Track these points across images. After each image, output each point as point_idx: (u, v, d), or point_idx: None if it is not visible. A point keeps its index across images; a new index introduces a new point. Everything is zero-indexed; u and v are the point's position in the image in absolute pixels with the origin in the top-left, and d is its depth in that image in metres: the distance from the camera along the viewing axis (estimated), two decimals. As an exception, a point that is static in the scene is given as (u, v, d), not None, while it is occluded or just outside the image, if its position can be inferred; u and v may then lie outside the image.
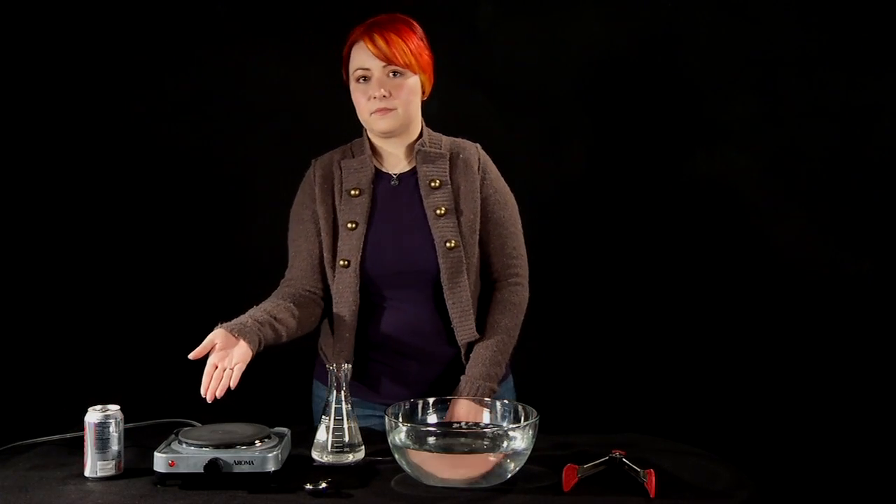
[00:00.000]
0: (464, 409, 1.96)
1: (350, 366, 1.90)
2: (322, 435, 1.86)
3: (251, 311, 2.02)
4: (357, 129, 2.20)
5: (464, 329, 2.09)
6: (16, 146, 3.04)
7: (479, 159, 2.18)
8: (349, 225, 2.11)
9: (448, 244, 2.07)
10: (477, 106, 3.01)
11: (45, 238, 3.05)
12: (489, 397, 2.00)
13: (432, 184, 2.12)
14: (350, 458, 1.85)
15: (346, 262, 2.09)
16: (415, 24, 2.11)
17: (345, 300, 2.09)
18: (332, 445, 1.84)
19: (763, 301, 2.99)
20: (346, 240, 2.10)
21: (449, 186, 2.12)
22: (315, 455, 1.86)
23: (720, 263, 3.00)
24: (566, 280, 3.06)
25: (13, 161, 3.04)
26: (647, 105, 3.00)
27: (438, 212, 2.10)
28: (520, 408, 1.87)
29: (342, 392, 1.86)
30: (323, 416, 1.88)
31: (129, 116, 3.05)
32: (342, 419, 1.85)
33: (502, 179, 2.22)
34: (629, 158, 3.02)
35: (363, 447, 1.87)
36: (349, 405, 1.87)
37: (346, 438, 1.85)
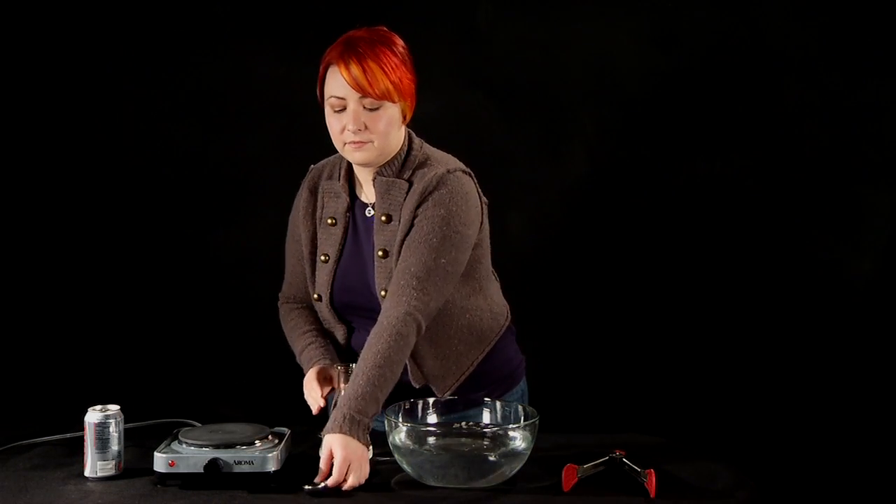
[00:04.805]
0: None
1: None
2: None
3: (315, 343, 2.03)
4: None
5: (414, 376, 1.97)
6: (16, 146, 3.04)
7: (425, 188, 1.93)
8: (322, 258, 2.04)
9: (382, 293, 1.94)
10: (477, 106, 3.01)
11: (45, 238, 3.05)
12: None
13: (383, 218, 1.97)
14: None
15: (318, 297, 2.05)
16: (397, 40, 1.93)
17: (331, 326, 2.06)
18: None
19: (763, 301, 2.99)
20: (320, 273, 2.04)
21: (398, 222, 1.95)
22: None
23: (720, 264, 3.00)
24: (566, 281, 3.06)
25: (14, 161, 3.04)
26: (647, 105, 3.00)
27: (379, 254, 1.96)
28: (520, 408, 1.87)
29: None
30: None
31: (130, 117, 3.06)
32: None
33: (449, 207, 1.92)
34: (629, 159, 3.02)
35: (371, 445, 1.85)
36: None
37: None
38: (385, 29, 1.96)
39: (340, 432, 1.73)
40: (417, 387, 1.98)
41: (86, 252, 3.05)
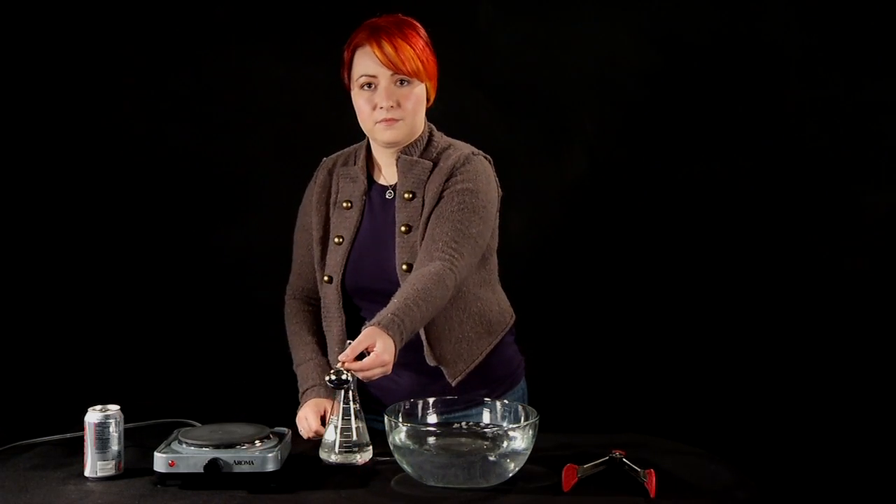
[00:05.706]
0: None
1: None
2: (330, 435, 1.85)
3: (315, 360, 2.07)
4: (359, 131, 2.20)
5: (428, 356, 2.00)
6: (17, 146, 3.04)
7: (453, 165, 2.00)
8: (336, 239, 2.07)
9: (403, 266, 1.98)
10: (477, 106, 3.01)
11: (45, 238, 3.05)
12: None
13: (406, 195, 2.01)
14: (358, 458, 1.84)
15: (328, 278, 2.06)
16: (420, 27, 2.02)
17: (331, 315, 2.06)
18: (340, 445, 1.84)
19: (763, 301, 2.99)
20: (332, 255, 2.06)
21: (421, 199, 2.00)
22: (323, 455, 1.85)
23: (720, 264, 3.00)
24: (566, 280, 3.06)
25: (15, 162, 3.04)
26: (647, 105, 3.01)
27: (402, 229, 2.00)
28: (520, 408, 1.87)
29: (350, 392, 1.85)
30: (331, 417, 1.87)
31: (131, 116, 3.06)
32: (350, 419, 1.84)
33: (476, 183, 2.00)
34: (629, 159, 3.03)
35: (371, 447, 1.87)
36: (357, 405, 1.86)
37: (355, 438, 1.84)
38: (406, 17, 2.02)
39: (387, 333, 1.74)
40: (432, 365, 2.00)
41: (87, 252, 3.05)
